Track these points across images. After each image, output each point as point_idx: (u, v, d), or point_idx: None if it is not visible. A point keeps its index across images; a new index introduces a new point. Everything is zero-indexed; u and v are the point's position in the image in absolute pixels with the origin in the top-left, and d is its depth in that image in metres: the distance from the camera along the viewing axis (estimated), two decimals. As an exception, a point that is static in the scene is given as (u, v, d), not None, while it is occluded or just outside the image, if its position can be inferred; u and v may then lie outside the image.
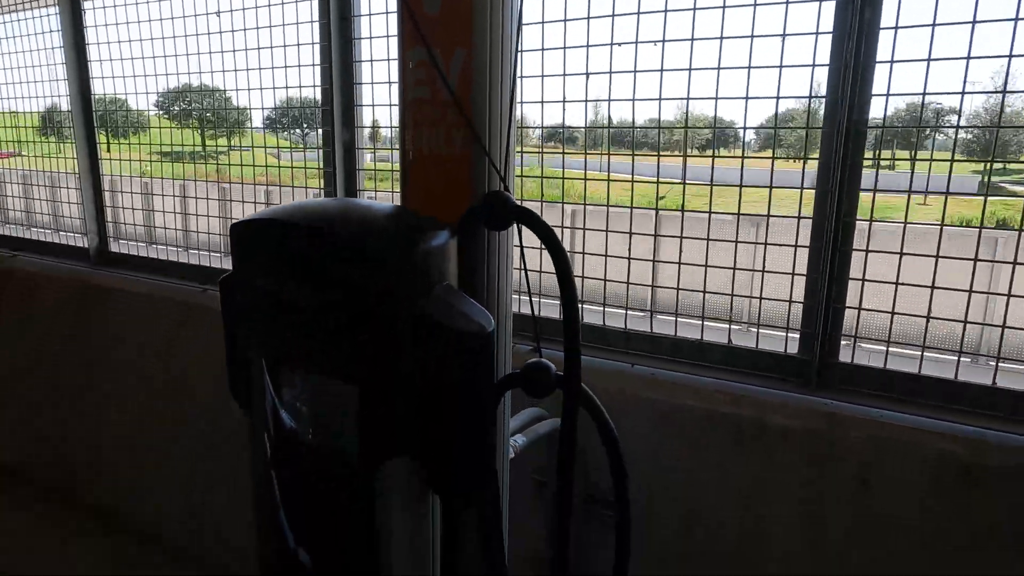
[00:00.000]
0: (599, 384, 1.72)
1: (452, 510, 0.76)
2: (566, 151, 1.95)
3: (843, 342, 1.58)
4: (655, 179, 1.71)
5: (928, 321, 1.46)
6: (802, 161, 1.56)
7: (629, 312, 1.80)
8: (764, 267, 1.61)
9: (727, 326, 1.69)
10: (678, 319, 1.73)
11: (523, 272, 0.92)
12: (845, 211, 1.49)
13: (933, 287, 1.44)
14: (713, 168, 1.61)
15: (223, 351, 2.47)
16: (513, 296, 0.91)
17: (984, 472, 1.37)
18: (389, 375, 0.69)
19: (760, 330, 1.66)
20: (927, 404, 1.49)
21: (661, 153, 1.69)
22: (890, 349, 1.52)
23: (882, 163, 1.76)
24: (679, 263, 1.69)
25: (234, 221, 0.80)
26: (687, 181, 1.68)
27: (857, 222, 1.50)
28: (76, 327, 2.89)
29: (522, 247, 0.89)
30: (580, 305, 1.79)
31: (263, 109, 2.49)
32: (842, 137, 1.46)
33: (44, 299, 2.97)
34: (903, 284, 1.47)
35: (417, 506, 0.75)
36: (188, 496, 2.65)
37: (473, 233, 0.83)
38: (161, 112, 3.11)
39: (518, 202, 0.84)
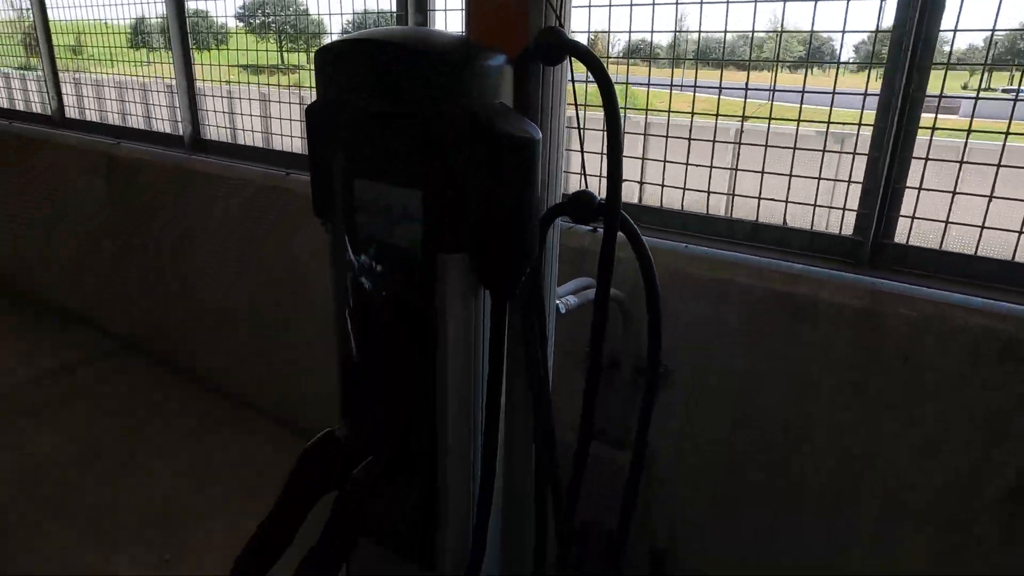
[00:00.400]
0: (655, 260, 1.80)
1: (500, 308, 0.87)
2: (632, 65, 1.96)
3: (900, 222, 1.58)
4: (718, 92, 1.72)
5: (990, 201, 1.45)
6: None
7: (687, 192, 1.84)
8: (824, 148, 1.61)
9: (783, 207, 1.71)
10: (734, 198, 1.76)
11: (575, 107, 0.99)
12: (914, 86, 1.47)
13: (999, 166, 1.42)
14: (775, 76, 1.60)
15: (302, 231, 2.64)
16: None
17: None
18: (448, 178, 0.79)
19: (816, 211, 1.68)
20: (981, 285, 1.50)
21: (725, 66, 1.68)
22: (948, 230, 1.52)
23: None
24: (738, 143, 1.71)
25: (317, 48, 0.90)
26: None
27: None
28: (174, 207, 3.16)
29: (574, 82, 0.96)
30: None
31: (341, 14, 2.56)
32: (916, 9, 1.42)
33: (145, 181, 3.24)
34: (968, 163, 1.45)
35: (469, 301, 0.87)
36: (270, 361, 2.94)
37: (529, 66, 0.90)
38: (242, 24, 3.25)
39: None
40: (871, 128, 1.54)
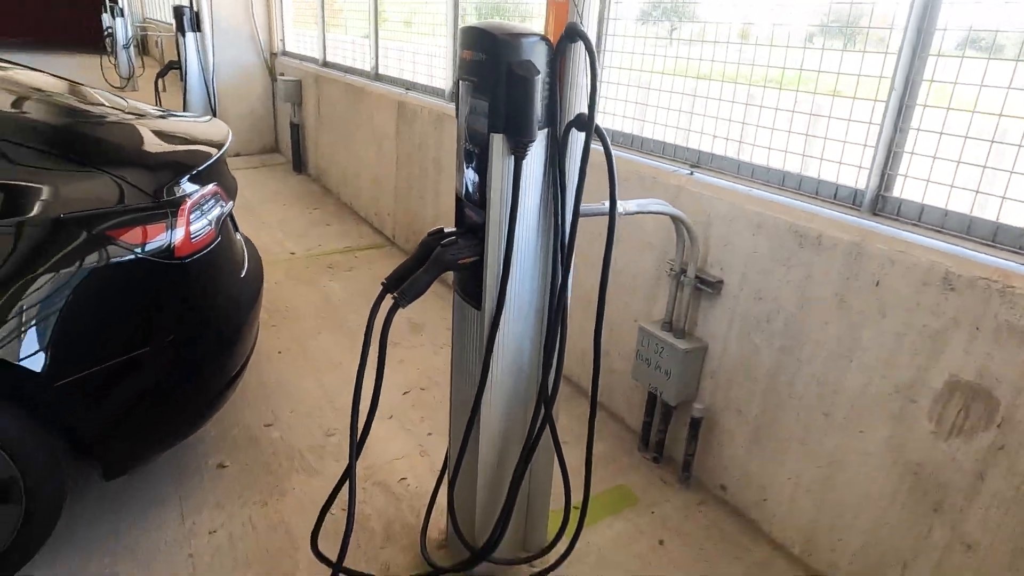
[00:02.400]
0: (723, 197, 2.41)
1: (517, 167, 1.70)
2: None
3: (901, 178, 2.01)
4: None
5: (958, 165, 1.84)
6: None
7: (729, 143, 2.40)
8: (850, 117, 2.08)
9: (819, 162, 2.21)
10: (787, 155, 2.29)
11: (590, 80, 1.74)
12: (915, 71, 1.89)
13: (966, 137, 1.80)
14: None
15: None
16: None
17: (959, 280, 1.78)
18: (496, 95, 1.64)
19: (841, 167, 2.15)
20: (946, 232, 1.89)
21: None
22: (929, 186, 1.92)
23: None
24: (776, 108, 2.24)
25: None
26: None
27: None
28: (431, 140, 4.38)
29: (593, 56, 1.72)
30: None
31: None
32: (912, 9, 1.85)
33: (420, 119, 4.53)
34: (946, 134, 1.85)
35: (507, 161, 1.72)
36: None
37: (563, 42, 1.69)
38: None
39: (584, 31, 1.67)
40: (883, 103, 1.99)
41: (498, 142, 1.68)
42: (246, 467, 2.69)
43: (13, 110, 2.18)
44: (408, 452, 2.84)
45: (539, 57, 1.65)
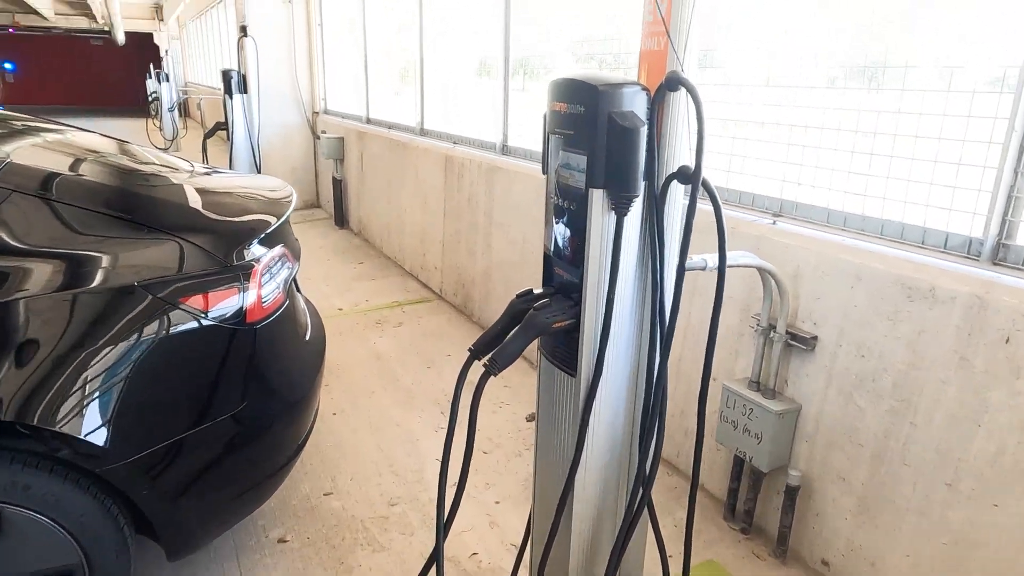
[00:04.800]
0: (811, 247, 2.27)
1: (619, 223, 1.59)
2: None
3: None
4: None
5: (1097, 210, 1.67)
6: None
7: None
8: (959, 161, 1.93)
9: (924, 209, 2.05)
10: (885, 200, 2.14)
11: (697, 129, 1.64)
12: (1037, 113, 1.76)
13: (1106, 179, 1.65)
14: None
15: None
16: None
17: (1111, 337, 1.60)
18: (596, 148, 1.54)
19: (951, 215, 1.99)
20: (1087, 283, 1.72)
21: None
22: (1062, 234, 1.76)
23: None
24: (889, 155, 2.10)
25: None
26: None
27: (1052, 123, 1.75)
28: (482, 193, 4.32)
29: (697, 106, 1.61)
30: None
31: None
32: (1039, 47, 1.72)
33: (469, 172, 4.48)
34: (1079, 177, 1.69)
35: (605, 217, 1.60)
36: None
37: (661, 91, 1.60)
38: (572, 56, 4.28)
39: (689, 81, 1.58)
40: (999, 146, 1.84)
41: (598, 198, 1.56)
42: (308, 541, 2.54)
43: (81, 175, 2.14)
44: (476, 523, 2.67)
45: (640, 107, 1.55)
